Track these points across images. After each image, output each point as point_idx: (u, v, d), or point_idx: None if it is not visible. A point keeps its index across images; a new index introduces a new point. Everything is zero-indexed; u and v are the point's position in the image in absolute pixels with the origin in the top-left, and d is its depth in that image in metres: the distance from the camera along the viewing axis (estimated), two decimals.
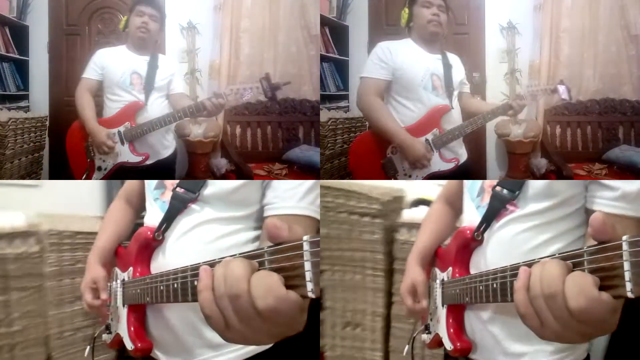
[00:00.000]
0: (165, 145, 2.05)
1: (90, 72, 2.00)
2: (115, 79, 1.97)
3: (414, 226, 1.95)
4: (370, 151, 1.84)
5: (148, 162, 1.98)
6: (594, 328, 0.58)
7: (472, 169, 1.95)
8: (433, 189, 2.20)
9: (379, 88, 1.77)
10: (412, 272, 1.20)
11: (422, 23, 1.78)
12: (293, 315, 0.55)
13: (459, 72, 1.86)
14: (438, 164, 1.82)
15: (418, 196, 2.33)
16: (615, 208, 0.92)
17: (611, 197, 0.92)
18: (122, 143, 1.94)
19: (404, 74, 1.76)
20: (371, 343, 1.99)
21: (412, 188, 2.21)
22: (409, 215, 1.99)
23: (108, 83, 1.99)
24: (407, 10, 1.81)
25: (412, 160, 1.77)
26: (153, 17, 1.98)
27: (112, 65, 1.99)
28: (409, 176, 1.81)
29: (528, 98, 1.82)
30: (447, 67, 1.82)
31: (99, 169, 1.97)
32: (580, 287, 0.55)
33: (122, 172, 1.96)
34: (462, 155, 1.89)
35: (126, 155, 1.95)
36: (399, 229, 1.98)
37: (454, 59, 1.87)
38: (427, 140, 1.80)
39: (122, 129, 1.95)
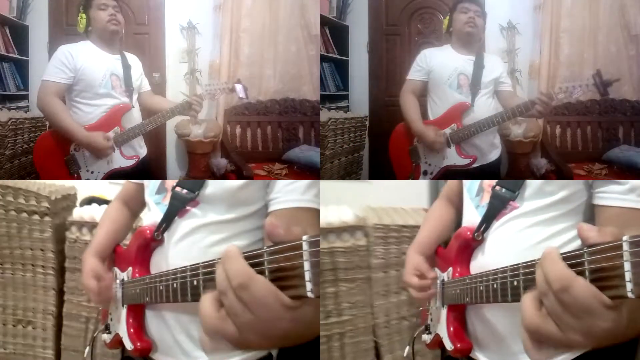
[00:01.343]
0: (141, 145, 1.98)
1: (58, 74, 1.77)
2: (95, 82, 1.80)
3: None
4: (403, 141, 2.07)
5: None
6: (589, 320, 0.56)
7: (491, 171, 1.99)
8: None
9: (415, 88, 2.03)
10: (413, 260, 1.19)
11: (460, 26, 1.98)
12: (266, 299, 0.54)
13: (492, 71, 1.98)
14: (454, 157, 1.95)
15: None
16: (626, 201, 0.92)
17: (620, 190, 0.92)
18: (112, 149, 1.84)
19: (435, 74, 1.99)
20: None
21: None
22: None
23: (84, 86, 1.80)
24: (447, 17, 2.04)
25: (426, 145, 1.97)
26: (116, 8, 1.83)
27: (88, 67, 1.79)
28: (428, 164, 2.01)
29: (561, 95, 1.83)
30: (479, 67, 1.96)
31: (88, 179, 1.89)
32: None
33: (113, 177, 1.89)
34: (488, 154, 1.98)
35: (118, 160, 1.86)
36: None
37: (489, 59, 2.01)
38: (444, 134, 1.95)
39: (111, 134, 1.82)
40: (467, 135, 1.92)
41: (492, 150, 2.00)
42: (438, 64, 2.00)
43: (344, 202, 2.04)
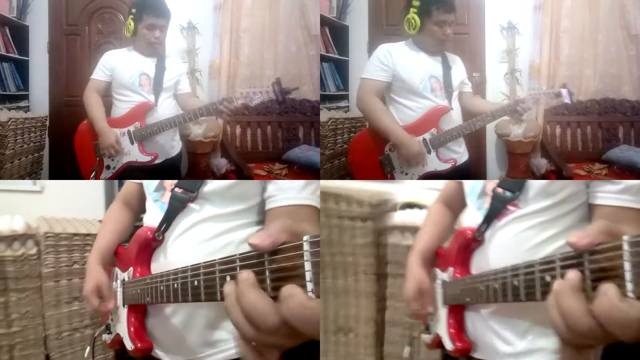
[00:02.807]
0: (172, 145, 2.07)
1: (99, 74, 2.01)
2: (124, 80, 1.98)
3: (405, 229, 1.92)
4: (369, 149, 1.87)
5: (156, 162, 1.99)
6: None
7: (470, 170, 1.94)
8: (423, 193, 2.20)
9: (378, 89, 1.83)
10: (416, 276, 1.19)
11: (434, 41, 1.82)
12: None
13: (459, 72, 1.88)
14: (435, 163, 1.84)
15: (408, 200, 2.28)
16: (619, 200, 0.92)
17: (615, 190, 0.93)
18: (132, 142, 1.95)
19: (403, 76, 1.81)
20: (364, 349, 1.95)
21: (401, 191, 2.19)
22: (399, 218, 1.95)
23: (116, 84, 2.01)
24: (417, 20, 1.79)
25: (406, 158, 1.80)
26: (164, 29, 1.98)
27: (120, 67, 2.00)
28: (405, 174, 1.84)
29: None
30: (447, 68, 1.85)
31: (108, 167, 1.97)
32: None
33: (130, 171, 1.96)
34: (462, 155, 1.90)
35: (135, 154, 1.95)
36: (390, 232, 1.95)
37: (454, 59, 1.89)
38: (424, 139, 1.82)
39: (131, 128, 1.96)
40: (448, 140, 1.83)
41: (460, 151, 1.91)
42: (405, 65, 1.81)
43: None
